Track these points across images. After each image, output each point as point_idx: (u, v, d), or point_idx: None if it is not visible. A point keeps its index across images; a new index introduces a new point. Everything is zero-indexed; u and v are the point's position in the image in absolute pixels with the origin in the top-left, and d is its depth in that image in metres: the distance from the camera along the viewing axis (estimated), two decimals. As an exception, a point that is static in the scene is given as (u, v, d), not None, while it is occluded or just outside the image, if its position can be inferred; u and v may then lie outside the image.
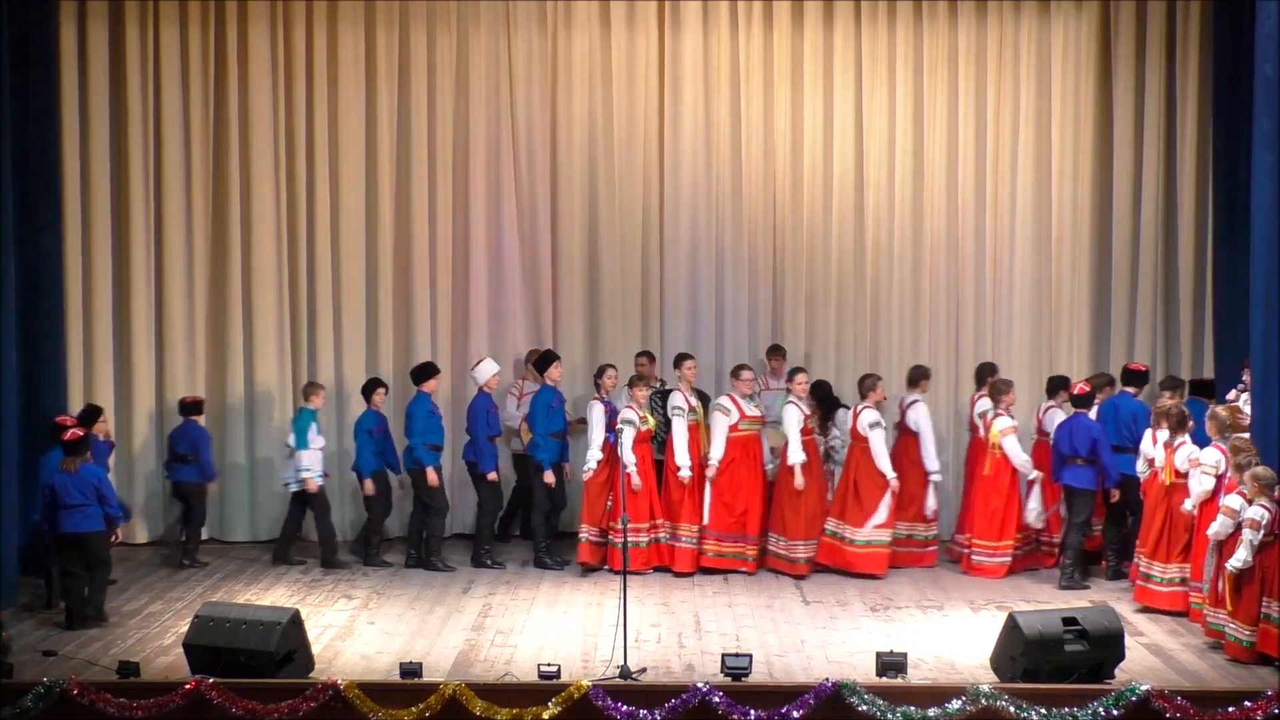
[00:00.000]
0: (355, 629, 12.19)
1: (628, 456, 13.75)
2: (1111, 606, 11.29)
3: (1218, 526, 11.30)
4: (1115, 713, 9.88)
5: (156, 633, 12.05)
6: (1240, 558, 10.99)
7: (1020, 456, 13.79)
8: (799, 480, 13.72)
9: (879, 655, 10.58)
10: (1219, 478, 11.86)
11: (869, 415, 13.96)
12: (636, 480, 13.77)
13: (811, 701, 9.97)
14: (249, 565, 14.42)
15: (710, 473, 13.86)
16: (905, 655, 10.55)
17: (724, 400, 14.08)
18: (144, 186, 15.26)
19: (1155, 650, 11.48)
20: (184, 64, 15.29)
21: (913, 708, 9.94)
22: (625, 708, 10.04)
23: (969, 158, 15.68)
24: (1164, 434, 12.63)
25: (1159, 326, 15.57)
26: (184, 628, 11.11)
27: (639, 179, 15.73)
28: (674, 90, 15.67)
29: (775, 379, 15.13)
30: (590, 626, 12.21)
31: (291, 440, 14.28)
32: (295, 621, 10.76)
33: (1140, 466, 13.03)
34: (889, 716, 9.93)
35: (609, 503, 13.81)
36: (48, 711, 10.15)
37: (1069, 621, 10.50)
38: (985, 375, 14.59)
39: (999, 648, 10.69)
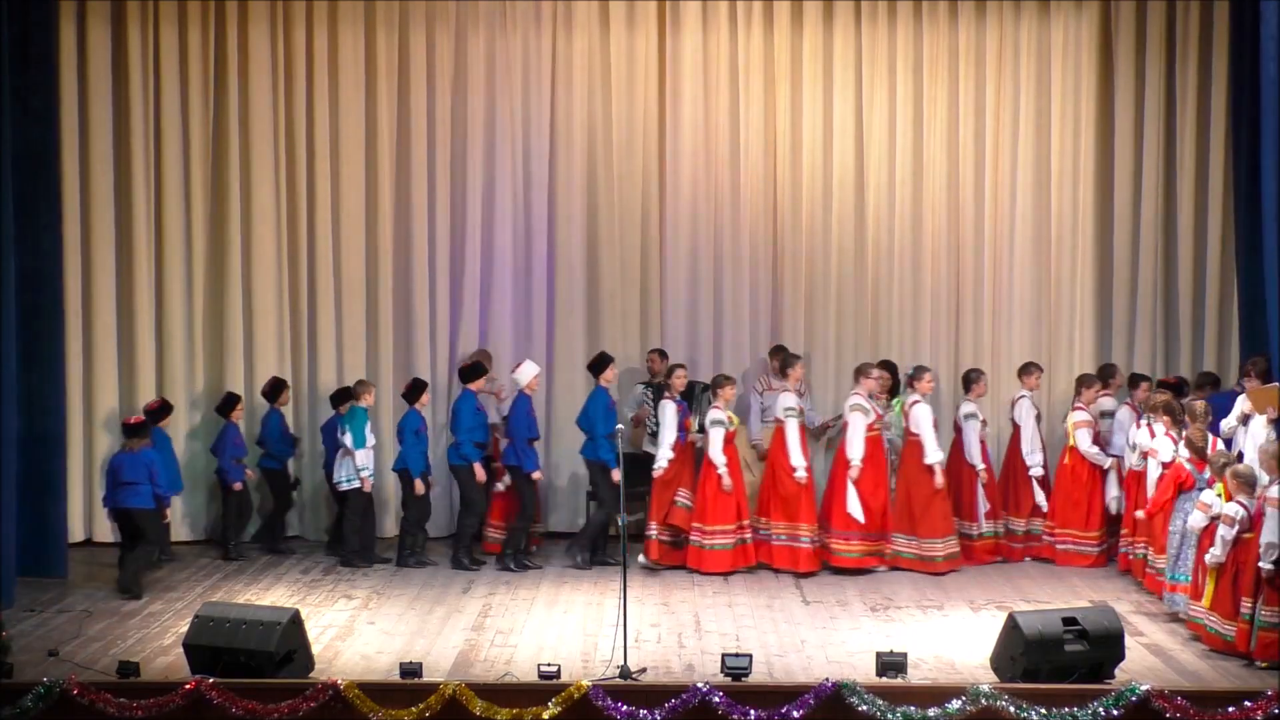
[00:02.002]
0: (355, 629, 12.18)
1: (718, 457, 13.82)
2: (1112, 606, 11.30)
3: (1193, 521, 11.52)
4: (1115, 713, 9.88)
5: (156, 633, 12.05)
6: (1214, 553, 11.13)
7: (1089, 447, 14.05)
8: (939, 479, 13.89)
9: (879, 655, 10.58)
10: (1165, 464, 12.38)
11: (965, 408, 14.35)
12: (728, 481, 13.81)
13: (811, 701, 9.97)
14: (249, 565, 14.41)
15: (854, 474, 13.85)
16: (905, 655, 10.55)
17: (861, 400, 14.01)
18: (144, 186, 15.24)
19: (1155, 650, 11.47)
20: (184, 64, 15.26)
21: (913, 708, 9.94)
22: (625, 708, 10.04)
23: (969, 158, 15.67)
24: (1160, 426, 12.85)
25: (1159, 326, 15.56)
26: (184, 628, 11.10)
27: (639, 179, 15.71)
28: (674, 90, 15.65)
29: (777, 379, 15.11)
30: (590, 626, 12.21)
31: (348, 440, 14.13)
32: (295, 621, 10.76)
33: (1134, 460, 13.18)
34: (889, 716, 9.93)
35: (686, 501, 13.93)
36: (48, 711, 10.15)
37: (1069, 621, 10.50)
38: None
39: (999, 648, 10.69)
